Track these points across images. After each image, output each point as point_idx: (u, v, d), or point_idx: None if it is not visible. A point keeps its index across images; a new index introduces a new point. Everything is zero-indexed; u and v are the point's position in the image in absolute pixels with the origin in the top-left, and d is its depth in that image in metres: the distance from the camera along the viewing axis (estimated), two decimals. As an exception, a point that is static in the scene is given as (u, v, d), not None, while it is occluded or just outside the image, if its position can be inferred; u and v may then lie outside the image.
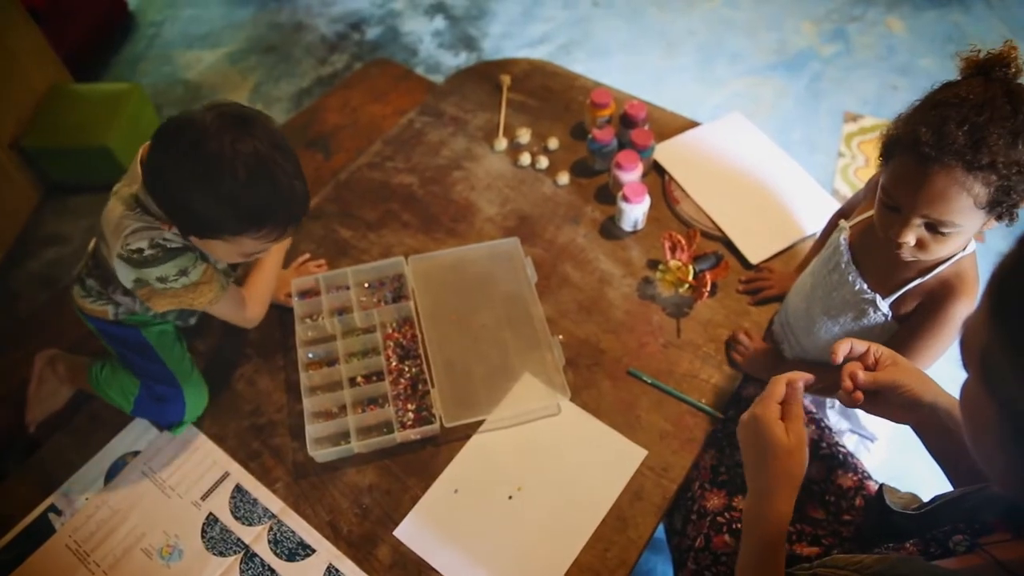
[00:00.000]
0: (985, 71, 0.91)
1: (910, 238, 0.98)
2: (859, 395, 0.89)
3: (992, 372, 0.57)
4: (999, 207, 0.92)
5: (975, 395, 0.61)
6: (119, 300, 1.22)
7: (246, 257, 1.12)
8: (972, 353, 0.59)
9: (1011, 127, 0.87)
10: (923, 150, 0.90)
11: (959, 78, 0.94)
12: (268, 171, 0.98)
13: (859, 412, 1.30)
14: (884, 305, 1.12)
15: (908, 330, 1.10)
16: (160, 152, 1.00)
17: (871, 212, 1.12)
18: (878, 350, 0.91)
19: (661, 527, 1.34)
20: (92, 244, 1.23)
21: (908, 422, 0.93)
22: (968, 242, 1.04)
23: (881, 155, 1.00)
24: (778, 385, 0.88)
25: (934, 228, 0.96)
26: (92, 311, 1.24)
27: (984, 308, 0.56)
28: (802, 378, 0.88)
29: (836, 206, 1.42)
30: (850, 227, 1.19)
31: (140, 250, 1.05)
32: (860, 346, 0.91)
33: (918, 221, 0.96)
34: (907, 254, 1.01)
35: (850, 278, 1.15)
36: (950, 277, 1.06)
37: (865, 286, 1.14)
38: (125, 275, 1.09)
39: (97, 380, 1.31)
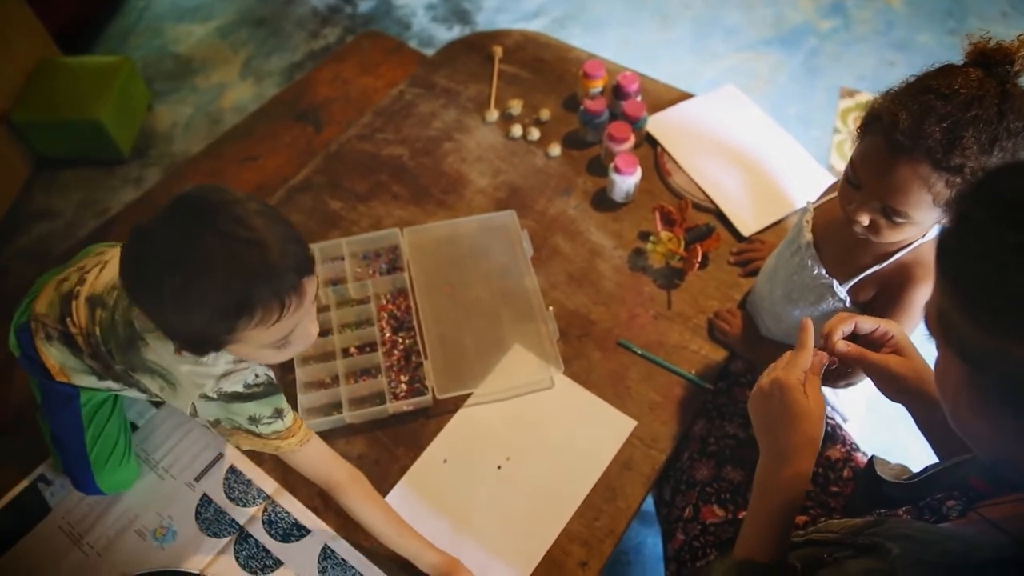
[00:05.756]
0: (987, 63, 0.86)
1: (864, 219, 0.98)
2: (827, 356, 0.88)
3: (950, 331, 0.59)
4: None
5: (944, 363, 0.63)
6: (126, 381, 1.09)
7: (281, 347, 0.96)
8: (932, 320, 0.62)
9: (991, 132, 0.84)
10: (897, 137, 0.88)
11: (961, 63, 0.90)
12: (214, 258, 0.83)
13: (831, 392, 1.29)
14: (842, 291, 1.11)
15: None
16: (123, 275, 0.89)
17: (835, 194, 1.10)
18: (887, 332, 0.89)
19: (651, 499, 1.35)
20: (95, 326, 1.04)
21: (901, 403, 0.93)
22: (927, 231, 1.02)
23: (860, 127, 0.97)
24: (804, 354, 0.87)
25: (889, 215, 0.95)
26: (68, 379, 1.11)
27: (935, 272, 0.60)
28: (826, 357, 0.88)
29: (829, 179, 1.41)
30: (814, 208, 1.18)
31: (238, 394, 0.99)
32: (867, 324, 0.89)
33: (876, 204, 0.96)
34: (859, 231, 1.00)
35: (809, 262, 1.14)
36: (909, 263, 1.05)
37: (823, 271, 1.13)
38: (207, 411, 1.00)
39: (42, 425, 1.22)
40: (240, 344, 0.92)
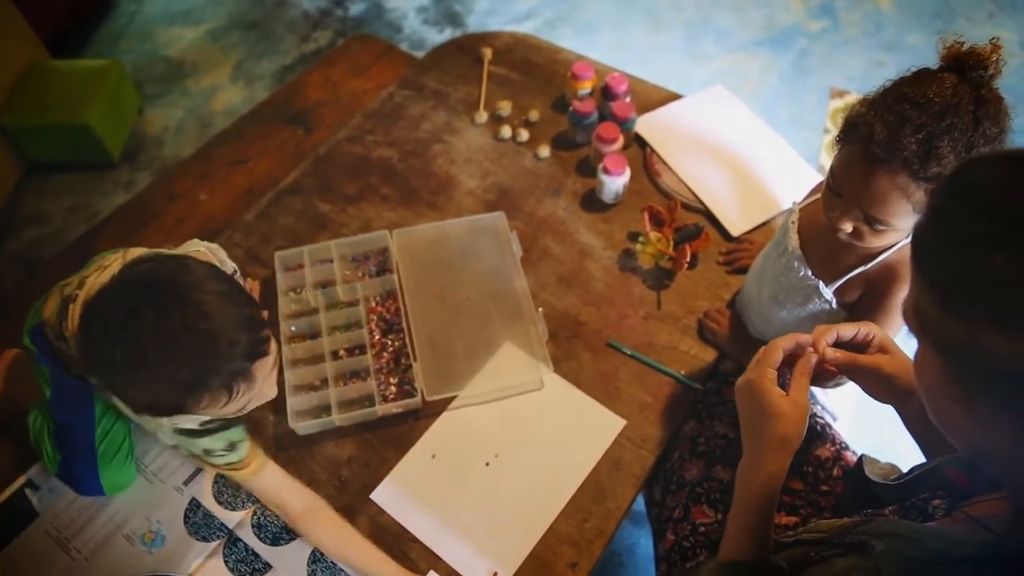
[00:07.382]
0: (960, 68, 0.86)
1: (847, 226, 0.98)
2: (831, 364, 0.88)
3: (927, 324, 0.59)
4: None
5: (922, 356, 0.64)
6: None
7: (238, 412, 0.98)
8: (909, 314, 0.62)
9: (967, 140, 0.85)
10: (873, 149, 0.88)
11: (936, 67, 0.90)
12: (164, 346, 0.84)
13: (821, 391, 1.29)
14: (827, 292, 1.12)
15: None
16: (79, 344, 0.92)
17: (820, 195, 1.11)
18: (869, 333, 0.88)
19: (641, 499, 1.35)
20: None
21: (890, 403, 0.93)
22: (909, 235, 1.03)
23: (839, 135, 0.98)
24: (775, 352, 0.86)
25: (871, 223, 0.96)
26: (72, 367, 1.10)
27: (911, 266, 0.61)
28: (805, 341, 0.87)
29: (818, 178, 1.41)
30: (800, 209, 1.18)
31: (191, 430, 1.03)
32: (847, 331, 0.89)
33: (857, 213, 0.96)
34: (844, 237, 1.01)
35: (795, 264, 1.15)
36: (894, 263, 1.06)
37: (809, 272, 1.13)
38: (164, 437, 1.06)
39: (32, 427, 1.21)
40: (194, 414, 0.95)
